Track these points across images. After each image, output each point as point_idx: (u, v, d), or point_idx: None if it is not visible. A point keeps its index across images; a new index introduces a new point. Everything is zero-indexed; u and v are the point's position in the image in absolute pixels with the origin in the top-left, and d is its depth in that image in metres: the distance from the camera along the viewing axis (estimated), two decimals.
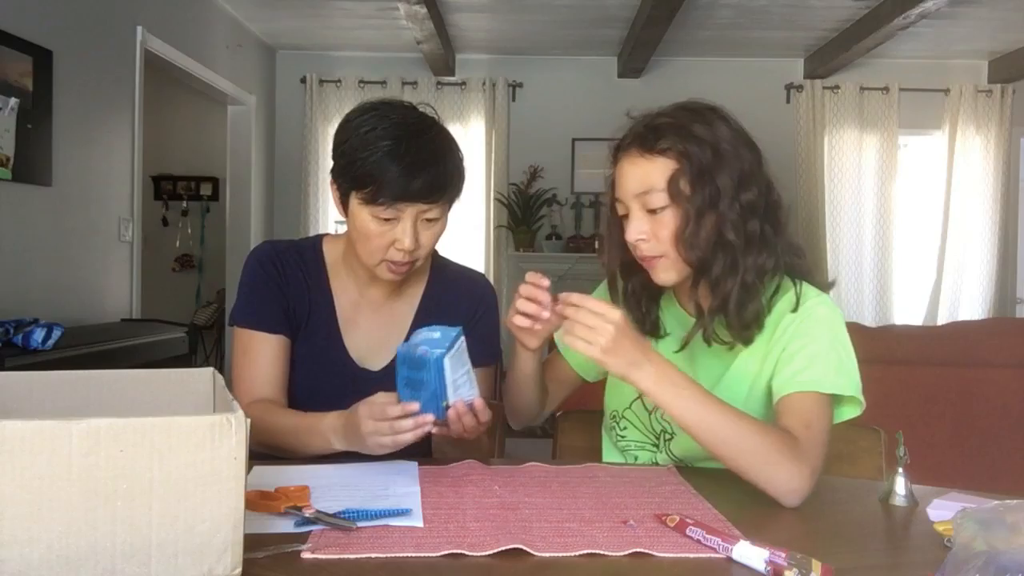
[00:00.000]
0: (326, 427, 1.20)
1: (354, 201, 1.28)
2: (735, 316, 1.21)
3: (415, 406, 1.10)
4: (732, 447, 1.11)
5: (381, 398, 1.13)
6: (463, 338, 1.14)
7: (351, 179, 1.27)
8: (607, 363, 1.11)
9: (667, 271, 1.23)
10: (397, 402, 1.12)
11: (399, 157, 1.22)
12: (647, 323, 1.33)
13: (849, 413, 1.24)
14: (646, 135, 1.20)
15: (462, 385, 1.14)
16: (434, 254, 1.48)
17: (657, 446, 1.34)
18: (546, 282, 1.18)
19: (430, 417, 1.11)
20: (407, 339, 1.37)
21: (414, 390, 1.12)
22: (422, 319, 1.41)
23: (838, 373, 1.19)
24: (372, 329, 1.42)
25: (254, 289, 1.39)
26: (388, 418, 1.10)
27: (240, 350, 1.38)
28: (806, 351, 1.20)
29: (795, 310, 1.23)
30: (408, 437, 1.11)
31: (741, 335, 1.23)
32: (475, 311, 1.46)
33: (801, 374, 1.19)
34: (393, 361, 1.34)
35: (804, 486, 1.09)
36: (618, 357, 1.10)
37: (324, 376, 1.38)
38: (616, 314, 1.09)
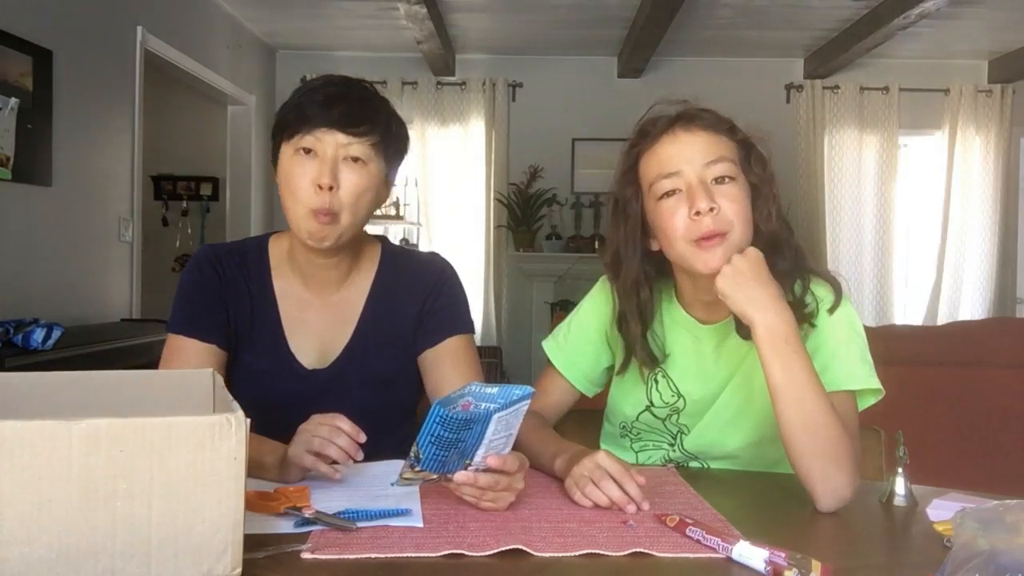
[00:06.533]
0: (264, 456, 1.12)
1: (283, 152, 1.26)
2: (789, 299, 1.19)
3: (364, 437, 1.07)
4: (810, 429, 1.08)
5: (341, 416, 1.10)
6: (527, 403, 0.97)
7: (281, 128, 1.27)
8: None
9: (726, 250, 1.17)
10: (357, 432, 1.08)
11: (322, 92, 1.25)
12: (641, 348, 1.29)
13: (866, 402, 1.23)
14: (702, 115, 1.22)
15: (496, 447, 0.98)
16: (384, 242, 1.44)
17: (673, 445, 1.36)
18: (633, 489, 1.04)
19: (362, 438, 1.07)
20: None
21: (441, 448, 0.94)
22: (372, 307, 1.36)
23: (862, 363, 1.20)
24: (319, 325, 1.35)
25: (189, 294, 1.32)
26: (335, 424, 1.08)
27: (165, 357, 1.29)
28: (827, 347, 1.20)
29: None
30: (332, 451, 1.07)
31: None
32: (433, 286, 1.38)
33: (825, 372, 1.17)
34: (340, 359, 1.32)
35: (849, 496, 1.08)
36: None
37: (271, 382, 1.32)
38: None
